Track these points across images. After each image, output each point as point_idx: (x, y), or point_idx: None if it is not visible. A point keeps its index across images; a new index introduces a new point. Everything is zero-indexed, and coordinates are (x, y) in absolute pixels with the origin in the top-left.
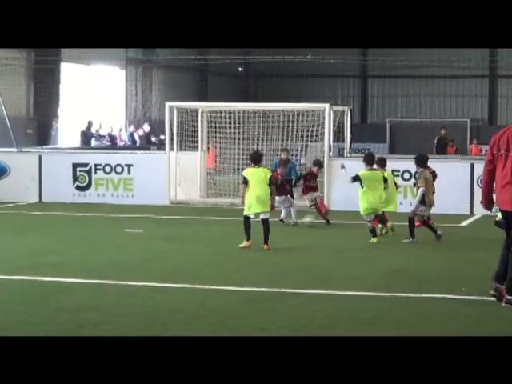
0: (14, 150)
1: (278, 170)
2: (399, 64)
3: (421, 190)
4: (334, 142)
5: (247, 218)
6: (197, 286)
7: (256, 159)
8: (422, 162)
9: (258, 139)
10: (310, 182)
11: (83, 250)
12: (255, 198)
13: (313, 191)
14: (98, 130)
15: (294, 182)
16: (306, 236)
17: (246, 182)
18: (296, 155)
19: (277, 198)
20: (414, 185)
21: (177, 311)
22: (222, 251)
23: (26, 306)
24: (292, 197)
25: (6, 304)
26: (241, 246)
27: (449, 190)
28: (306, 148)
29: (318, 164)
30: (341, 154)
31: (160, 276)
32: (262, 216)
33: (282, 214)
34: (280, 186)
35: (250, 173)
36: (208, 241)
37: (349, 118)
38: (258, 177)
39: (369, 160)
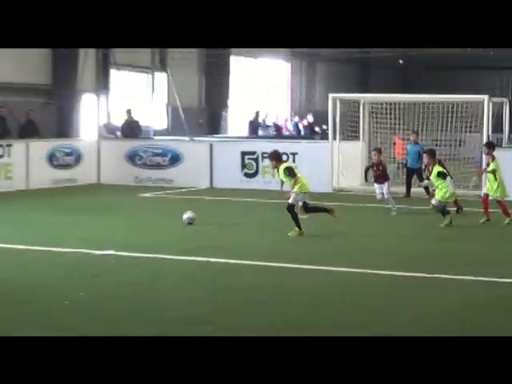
0: (187, 138)
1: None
2: None
3: None
4: (492, 132)
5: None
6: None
7: (281, 157)
8: None
9: (416, 130)
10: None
11: (249, 234)
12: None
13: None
14: (264, 120)
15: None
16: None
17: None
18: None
19: (376, 185)
20: None
21: (336, 293)
22: (369, 236)
23: (194, 283)
24: (409, 186)
25: (175, 280)
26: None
27: None
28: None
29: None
30: (499, 145)
31: (321, 259)
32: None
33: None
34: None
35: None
36: (366, 227)
37: (508, 110)
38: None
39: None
